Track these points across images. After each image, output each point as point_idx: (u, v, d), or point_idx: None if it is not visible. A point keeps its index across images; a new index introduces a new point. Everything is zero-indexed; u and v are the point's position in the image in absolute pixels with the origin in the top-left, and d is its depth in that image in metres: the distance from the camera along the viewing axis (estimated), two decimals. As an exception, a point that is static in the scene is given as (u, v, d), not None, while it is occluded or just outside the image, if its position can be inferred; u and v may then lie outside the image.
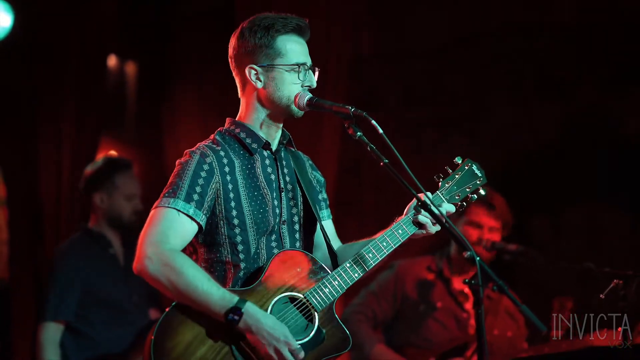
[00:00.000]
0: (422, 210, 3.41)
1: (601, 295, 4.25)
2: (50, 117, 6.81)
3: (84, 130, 6.82)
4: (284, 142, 3.59)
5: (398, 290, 5.57)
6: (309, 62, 3.49)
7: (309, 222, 3.59)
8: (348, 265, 3.44)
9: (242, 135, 3.49)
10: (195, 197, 3.32)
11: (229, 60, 3.55)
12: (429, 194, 3.44)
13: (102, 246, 5.54)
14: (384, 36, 6.92)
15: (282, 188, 3.52)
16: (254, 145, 3.48)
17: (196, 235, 3.39)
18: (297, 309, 3.38)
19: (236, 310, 3.21)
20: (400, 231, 3.48)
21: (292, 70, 3.44)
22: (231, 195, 3.39)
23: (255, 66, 3.46)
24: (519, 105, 6.69)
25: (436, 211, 3.24)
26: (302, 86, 3.45)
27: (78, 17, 6.78)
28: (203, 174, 3.36)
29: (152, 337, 3.21)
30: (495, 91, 6.69)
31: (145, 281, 3.32)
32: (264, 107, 3.49)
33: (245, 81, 3.50)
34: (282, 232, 3.48)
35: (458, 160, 3.60)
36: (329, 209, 3.76)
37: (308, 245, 3.60)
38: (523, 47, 6.64)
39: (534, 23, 6.65)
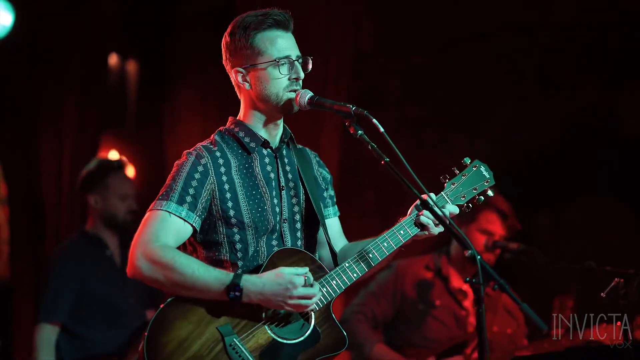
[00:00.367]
0: (425, 211, 3.39)
1: (602, 294, 4.25)
2: (51, 116, 6.81)
3: (85, 129, 6.83)
4: (286, 139, 3.57)
5: (397, 289, 5.57)
6: (293, 54, 3.43)
7: (312, 220, 3.55)
8: (347, 265, 3.42)
9: (241, 134, 3.48)
10: (189, 199, 3.32)
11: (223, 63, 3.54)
12: (432, 194, 3.41)
13: (98, 248, 5.56)
14: (384, 35, 6.92)
15: (283, 186, 3.50)
16: (252, 144, 3.47)
17: (195, 235, 3.39)
18: (294, 308, 3.36)
19: (235, 287, 3.21)
20: (402, 232, 3.45)
21: (272, 65, 3.39)
22: (228, 195, 3.38)
23: (239, 69, 3.44)
24: (520, 105, 6.69)
25: (439, 212, 3.18)
26: (289, 79, 3.41)
27: (79, 16, 6.78)
28: (197, 175, 3.35)
29: (146, 333, 3.22)
30: (496, 90, 6.69)
31: (142, 283, 3.33)
32: (258, 107, 3.48)
33: (237, 83, 3.50)
34: (284, 231, 3.46)
35: (466, 160, 3.56)
36: (335, 207, 3.74)
37: (311, 243, 3.57)
38: (523, 46, 6.64)
39: (534, 23, 6.65)
